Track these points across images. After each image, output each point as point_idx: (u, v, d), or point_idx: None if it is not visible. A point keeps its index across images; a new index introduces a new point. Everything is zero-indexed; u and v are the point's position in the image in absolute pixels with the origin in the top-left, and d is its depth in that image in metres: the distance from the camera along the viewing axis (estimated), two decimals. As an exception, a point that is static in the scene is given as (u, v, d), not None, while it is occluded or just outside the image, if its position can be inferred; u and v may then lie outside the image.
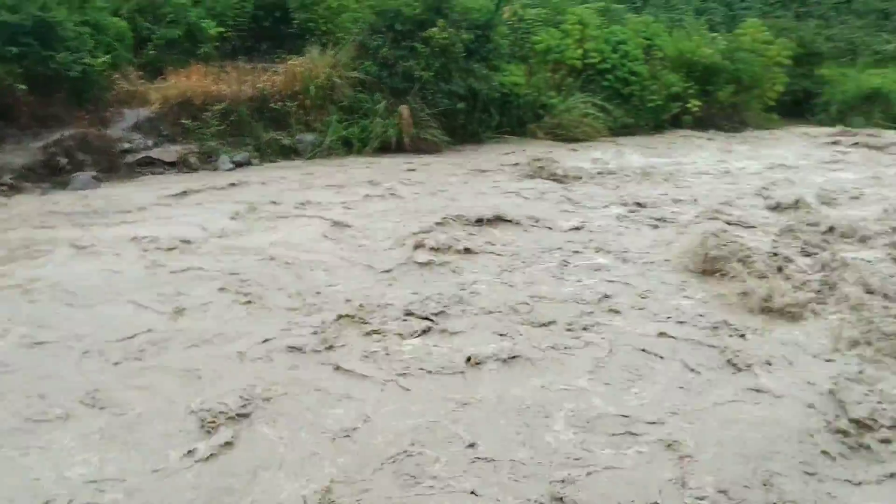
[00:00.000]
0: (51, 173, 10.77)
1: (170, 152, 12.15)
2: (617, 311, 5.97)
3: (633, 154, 14.46)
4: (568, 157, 13.60)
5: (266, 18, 16.05)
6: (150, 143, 12.15)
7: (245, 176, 11.51)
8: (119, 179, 11.15)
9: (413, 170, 12.40)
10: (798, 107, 22.40)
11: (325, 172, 11.96)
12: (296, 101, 13.69)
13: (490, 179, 11.66)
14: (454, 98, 14.52)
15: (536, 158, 12.77)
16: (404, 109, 13.93)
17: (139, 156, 11.84)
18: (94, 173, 10.84)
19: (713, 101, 19.20)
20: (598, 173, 12.24)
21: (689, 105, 18.43)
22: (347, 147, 13.80)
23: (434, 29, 14.12)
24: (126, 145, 11.85)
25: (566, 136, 16.06)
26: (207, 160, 12.41)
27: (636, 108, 17.80)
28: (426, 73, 14.08)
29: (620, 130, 17.22)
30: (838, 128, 19.89)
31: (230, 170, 12.14)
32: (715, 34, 21.65)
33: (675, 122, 18.49)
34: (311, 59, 14.17)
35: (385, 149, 13.88)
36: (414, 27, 14.35)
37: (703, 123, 18.79)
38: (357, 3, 15.89)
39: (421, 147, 14.10)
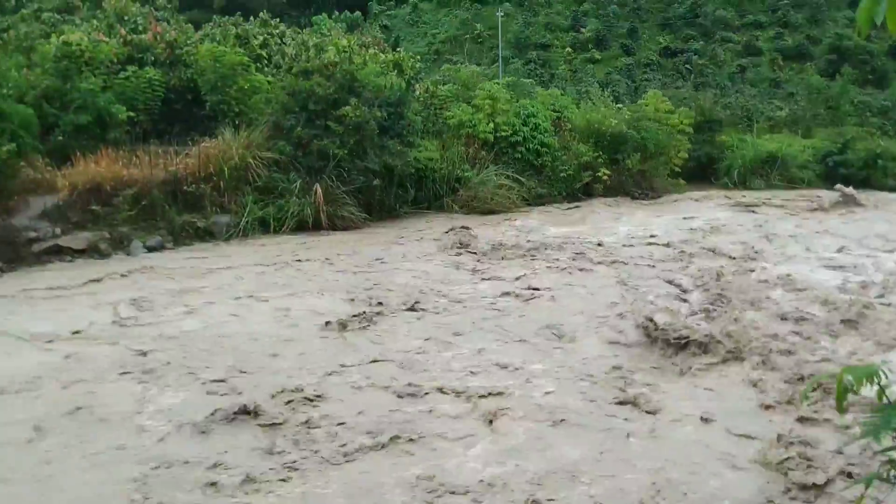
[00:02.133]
0: (-50, 265, 10.37)
1: (79, 239, 11.83)
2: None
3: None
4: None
5: (177, 101, 15.99)
6: (58, 230, 11.81)
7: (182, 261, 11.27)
8: (25, 269, 10.77)
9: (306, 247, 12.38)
10: (702, 171, 23.34)
11: (244, 253, 11.84)
12: (210, 183, 13.59)
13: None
14: (370, 175, 14.64)
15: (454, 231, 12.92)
16: (318, 188, 13.94)
17: (46, 244, 11.49)
18: (-2, 264, 10.47)
19: (622, 168, 19.84)
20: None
21: (599, 174, 19.00)
22: (264, 227, 13.70)
23: (347, 108, 14.29)
24: (32, 234, 11.49)
25: (481, 208, 16.32)
26: (119, 246, 12.13)
27: (549, 179, 18.27)
28: (341, 150, 14.18)
29: (535, 200, 17.60)
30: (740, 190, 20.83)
31: (143, 255, 11.88)
32: (620, 105, 22.56)
33: (587, 191, 19.00)
34: (225, 140, 14.13)
35: (302, 227, 13.83)
36: (327, 106, 14.50)
37: (613, 191, 19.37)
38: (269, 84, 15.99)
39: (338, 224, 14.12)
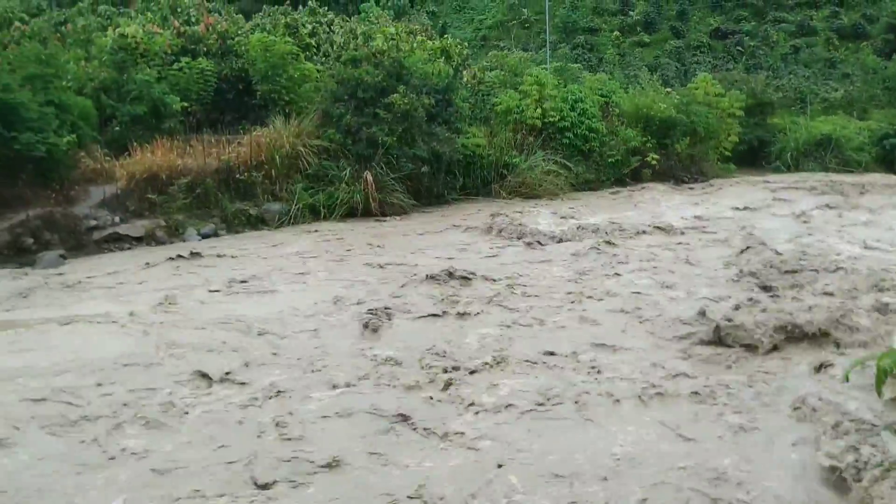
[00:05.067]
0: (17, 254, 10.75)
1: (137, 227, 12.19)
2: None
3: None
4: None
5: (229, 91, 16.29)
6: (116, 219, 12.17)
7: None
8: (86, 256, 11.14)
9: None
10: (753, 155, 23.01)
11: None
12: (261, 172, 13.85)
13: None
14: (418, 162, 14.78)
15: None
16: (368, 175, 14.10)
17: (106, 232, 11.86)
18: (60, 252, 10.83)
19: (671, 153, 19.67)
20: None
21: (647, 158, 18.85)
22: (314, 214, 13.94)
23: (395, 95, 14.41)
24: (93, 222, 11.86)
25: (529, 193, 16.35)
26: (175, 233, 12.47)
27: (597, 164, 18.21)
28: (389, 138, 14.32)
29: (582, 186, 17.57)
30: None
31: (198, 241, 12.20)
32: (669, 89, 22.31)
33: (635, 176, 18.87)
34: (276, 129, 14.38)
35: (351, 214, 14.04)
36: (376, 94, 14.65)
37: (662, 176, 19.20)
38: (318, 73, 16.19)
39: (387, 211, 14.29)
